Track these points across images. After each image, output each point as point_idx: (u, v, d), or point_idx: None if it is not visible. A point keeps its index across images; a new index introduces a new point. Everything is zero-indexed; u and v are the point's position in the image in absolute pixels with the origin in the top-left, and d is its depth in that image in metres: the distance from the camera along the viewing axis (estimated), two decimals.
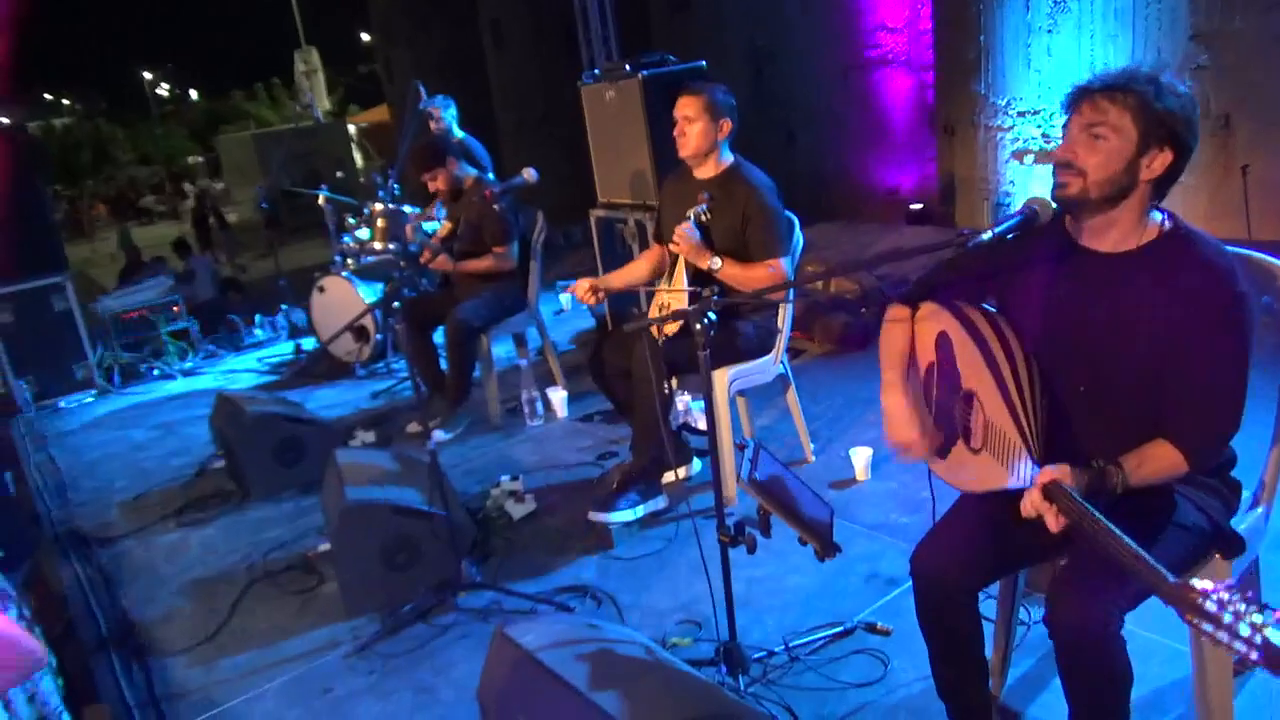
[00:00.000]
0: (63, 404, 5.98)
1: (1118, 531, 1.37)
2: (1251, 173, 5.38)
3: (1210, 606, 1.15)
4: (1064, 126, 1.70)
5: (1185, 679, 2.10)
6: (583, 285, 3.27)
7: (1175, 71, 6.13)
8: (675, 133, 3.24)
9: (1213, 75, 6.10)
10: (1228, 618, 1.13)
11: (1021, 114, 7.01)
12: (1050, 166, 1.72)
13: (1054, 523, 1.54)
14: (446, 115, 5.62)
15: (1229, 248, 1.74)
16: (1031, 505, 1.56)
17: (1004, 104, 7.19)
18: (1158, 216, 1.72)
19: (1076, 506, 1.47)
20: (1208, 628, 1.15)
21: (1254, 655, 1.10)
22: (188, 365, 6.47)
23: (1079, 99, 1.67)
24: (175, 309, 6.56)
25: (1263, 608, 1.12)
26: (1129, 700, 1.68)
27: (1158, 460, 1.64)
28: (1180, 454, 1.64)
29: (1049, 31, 6.72)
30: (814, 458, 3.63)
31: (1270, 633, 1.09)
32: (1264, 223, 5.51)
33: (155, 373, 6.36)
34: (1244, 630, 1.11)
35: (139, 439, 5.16)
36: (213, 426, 4.36)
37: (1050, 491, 1.53)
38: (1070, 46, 6.63)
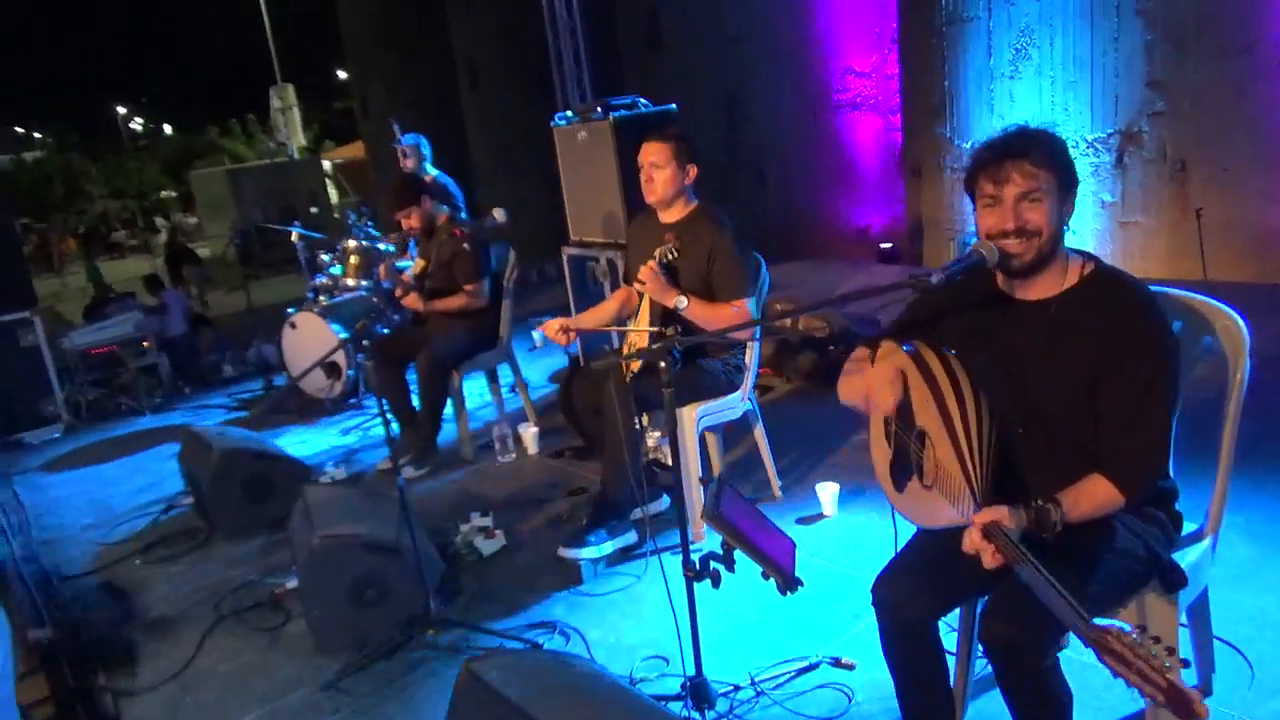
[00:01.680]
0: (28, 439, 5.91)
1: (1045, 574, 1.44)
2: (1206, 215, 5.54)
3: (1122, 650, 1.23)
4: (987, 197, 1.75)
5: (1140, 710, 2.15)
6: (553, 325, 3.32)
7: (1132, 116, 6.38)
8: (642, 179, 3.30)
9: (1169, 121, 6.31)
10: (1137, 661, 1.20)
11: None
12: None
13: (989, 560, 1.60)
14: (421, 152, 5.70)
15: (1165, 289, 1.83)
16: (971, 544, 1.63)
17: (967, 146, 7.37)
18: (1077, 258, 1.81)
19: (1011, 548, 1.54)
20: (1121, 669, 1.23)
21: (1159, 697, 1.18)
22: (156, 401, 6.42)
23: (1000, 169, 1.73)
24: (145, 344, 6.51)
25: (1170, 652, 1.19)
26: (1070, 717, 1.73)
27: (1093, 495, 1.71)
28: (1114, 487, 1.70)
29: (1010, 77, 6.93)
30: (781, 494, 3.67)
31: (1174, 677, 1.17)
32: (1218, 264, 5.67)
33: (124, 409, 6.30)
34: (1151, 673, 1.18)
35: (106, 476, 5.11)
36: (180, 463, 4.33)
37: (988, 531, 1.59)
38: (1031, 92, 6.84)
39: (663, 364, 2.11)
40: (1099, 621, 1.31)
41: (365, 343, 2.75)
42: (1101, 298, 1.76)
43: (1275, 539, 2.89)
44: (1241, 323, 1.94)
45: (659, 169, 3.25)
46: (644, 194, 3.34)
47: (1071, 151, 1.80)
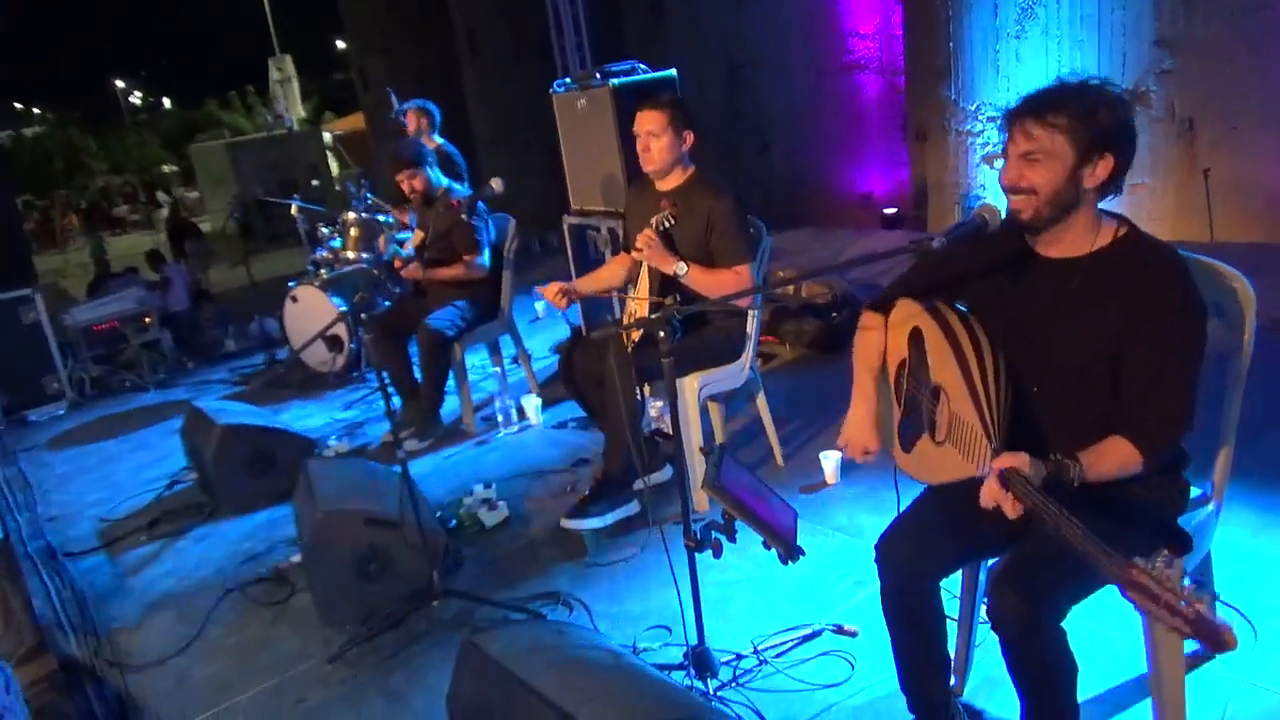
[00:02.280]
0: (32, 417, 5.92)
1: (1067, 515, 1.42)
2: (1213, 175, 5.48)
3: (1149, 583, 1.21)
4: (1003, 151, 1.74)
5: (1141, 675, 2.14)
6: (553, 288, 3.29)
7: (1140, 75, 6.28)
8: (639, 148, 3.25)
9: (1177, 79, 6.21)
10: (1165, 594, 1.19)
11: (991, 119, 7.10)
12: None
13: (1011, 509, 1.56)
14: (431, 117, 5.63)
15: (1182, 251, 1.79)
16: (990, 494, 1.59)
17: (974, 109, 7.28)
18: (1110, 221, 1.76)
19: (1032, 494, 1.50)
20: (1149, 604, 1.21)
21: (1186, 629, 1.16)
22: (160, 377, 6.42)
23: (1011, 125, 1.71)
24: (147, 320, 6.50)
25: (1198, 584, 1.18)
26: (1074, 690, 1.72)
27: (1113, 456, 1.68)
28: (1135, 450, 1.67)
29: (1017, 37, 6.82)
30: (784, 462, 3.66)
31: (1202, 608, 1.15)
32: (1225, 224, 5.61)
33: (127, 385, 6.31)
34: (1179, 605, 1.17)
35: (110, 452, 5.13)
36: (184, 439, 4.34)
37: (1007, 478, 1.56)
38: (1038, 52, 6.73)
39: (661, 333, 2.09)
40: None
41: (364, 316, 2.72)
42: (1131, 261, 1.72)
43: (1275, 506, 2.87)
44: (1248, 284, 1.90)
45: (655, 137, 3.21)
46: (641, 163, 3.30)
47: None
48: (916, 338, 1.93)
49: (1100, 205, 1.77)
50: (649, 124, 3.22)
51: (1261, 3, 5.63)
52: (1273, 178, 5.83)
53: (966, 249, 1.74)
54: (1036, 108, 1.67)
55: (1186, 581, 1.23)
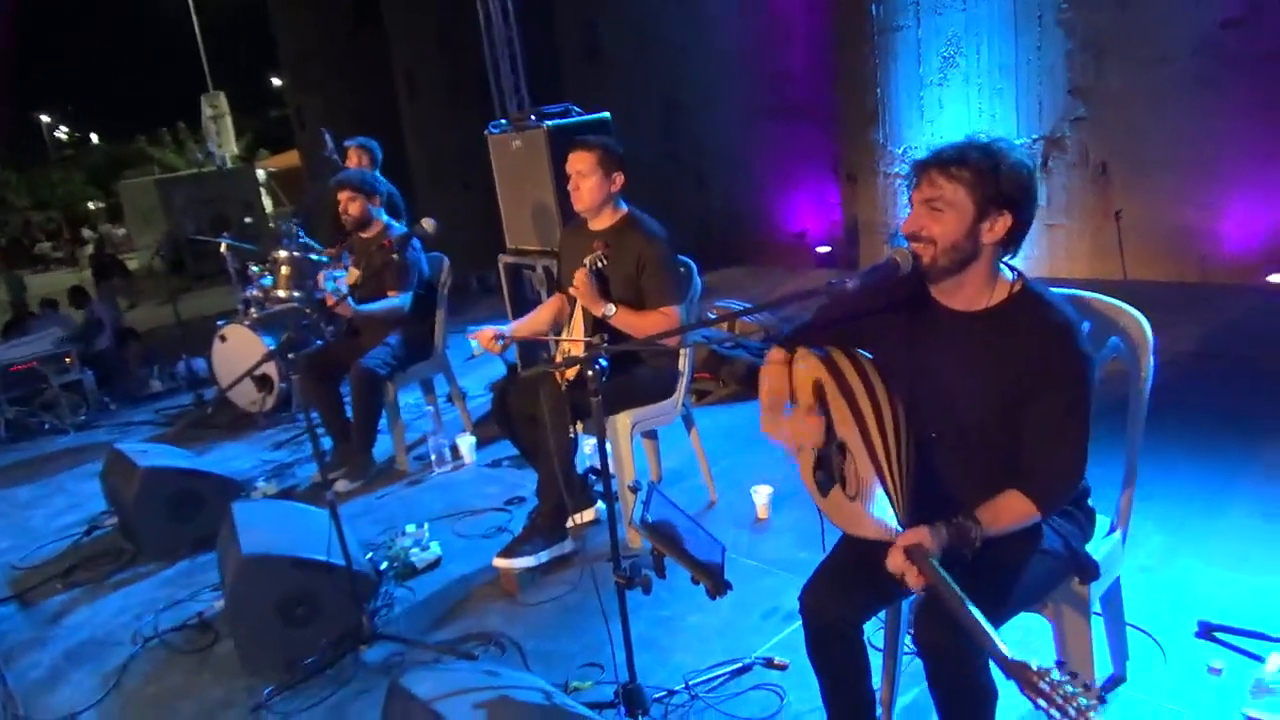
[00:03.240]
0: None
1: (970, 605, 1.48)
2: (1125, 217, 5.74)
3: (1044, 685, 1.27)
4: (909, 199, 1.81)
5: None
6: (487, 334, 3.29)
7: (1055, 121, 6.57)
8: (569, 187, 3.31)
9: (1090, 126, 6.52)
10: (1058, 698, 1.24)
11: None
12: None
13: (914, 581, 1.63)
14: (372, 155, 5.62)
15: (1075, 292, 1.88)
16: (894, 566, 1.66)
17: (900, 152, 7.52)
18: (1009, 275, 1.83)
19: (933, 572, 1.57)
20: (1041, 703, 1.27)
21: None
22: (80, 419, 6.22)
23: (917, 175, 1.78)
24: (67, 360, 6.30)
25: (1087, 689, 1.24)
26: (993, 714, 1.77)
27: (1010, 511, 1.75)
28: (1030, 503, 1.75)
29: (939, 84, 7.09)
30: (718, 497, 3.69)
31: (1093, 716, 1.21)
32: (1137, 263, 5.87)
33: (46, 427, 6.09)
34: (1071, 712, 1.23)
35: (25, 497, 4.93)
36: (104, 482, 4.20)
37: (911, 554, 1.62)
38: (959, 99, 7.00)
39: (590, 372, 2.12)
40: (1020, 647, 1.35)
41: (291, 355, 2.69)
42: (1024, 320, 1.77)
43: (1184, 527, 3.00)
44: (1145, 324, 2.01)
45: (584, 177, 3.26)
46: (572, 202, 3.34)
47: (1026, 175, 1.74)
48: (819, 391, 1.96)
49: (1004, 257, 1.83)
50: (578, 164, 3.27)
51: (1165, 56, 5.97)
52: (1178, 219, 6.13)
53: (875, 291, 1.80)
54: (942, 159, 1.74)
55: (1077, 693, 1.27)
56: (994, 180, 1.71)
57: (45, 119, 38.64)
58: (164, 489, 3.83)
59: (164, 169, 25.57)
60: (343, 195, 4.42)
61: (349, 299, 4.09)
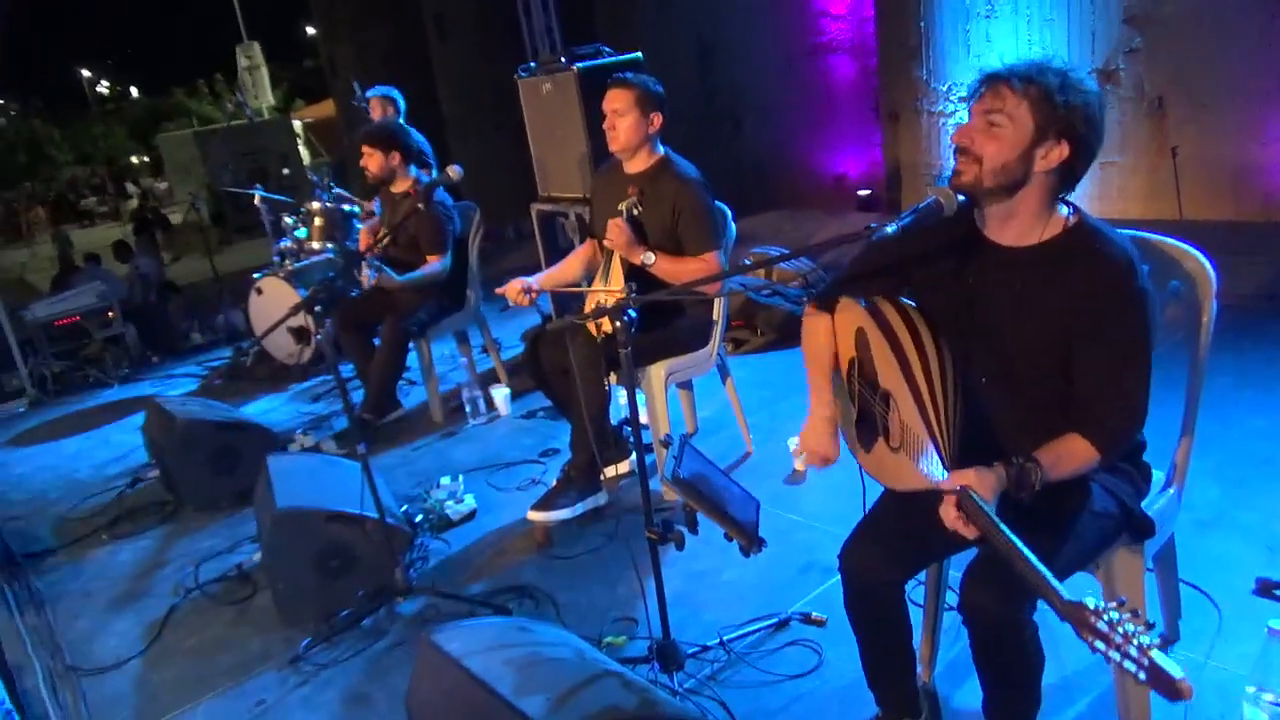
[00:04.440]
0: None
1: (1022, 546, 1.38)
2: (1181, 153, 5.48)
3: (1101, 625, 1.18)
4: (968, 111, 1.70)
5: (1099, 662, 2.13)
6: (514, 287, 3.22)
7: (1109, 53, 6.27)
8: (605, 126, 3.19)
9: (1146, 58, 6.20)
10: (1117, 637, 1.16)
11: (962, 99, 7.07)
12: None
13: (967, 532, 1.55)
14: (395, 104, 5.52)
15: (1134, 233, 1.76)
16: (949, 518, 1.57)
17: (945, 89, 7.26)
18: (1064, 210, 1.72)
19: (984, 519, 1.48)
20: (1099, 645, 1.18)
21: (1140, 675, 1.13)
22: (124, 372, 6.31)
23: (983, 85, 1.67)
24: (110, 314, 6.38)
25: (1149, 628, 1.15)
26: (1040, 682, 1.71)
27: (1071, 455, 1.66)
28: (1092, 447, 1.65)
29: (987, 17, 6.79)
30: (754, 448, 3.63)
31: (1155, 655, 1.12)
32: (1194, 202, 5.62)
33: (90, 380, 6.19)
34: (1133, 651, 1.14)
35: (72, 450, 5.02)
36: (145, 436, 4.25)
37: (962, 503, 1.53)
38: (1008, 32, 6.70)
39: (618, 324, 2.05)
40: (1075, 596, 1.26)
41: (317, 309, 2.65)
42: (1081, 253, 1.67)
43: (1242, 482, 2.87)
44: (1209, 266, 1.88)
45: (621, 116, 3.15)
46: (608, 142, 3.24)
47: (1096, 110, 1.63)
48: (861, 338, 1.88)
49: (1060, 194, 1.72)
50: (615, 102, 3.16)
51: None
52: (1239, 156, 5.84)
53: (920, 233, 1.70)
54: (1015, 71, 1.64)
55: (1138, 631, 1.18)
56: (1062, 106, 1.60)
57: (86, 74, 38.96)
58: (203, 442, 3.86)
59: (202, 121, 25.69)
60: (363, 149, 4.34)
61: (387, 270, 4.03)
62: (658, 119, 3.20)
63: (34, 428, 5.55)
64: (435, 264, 4.24)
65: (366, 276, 4.12)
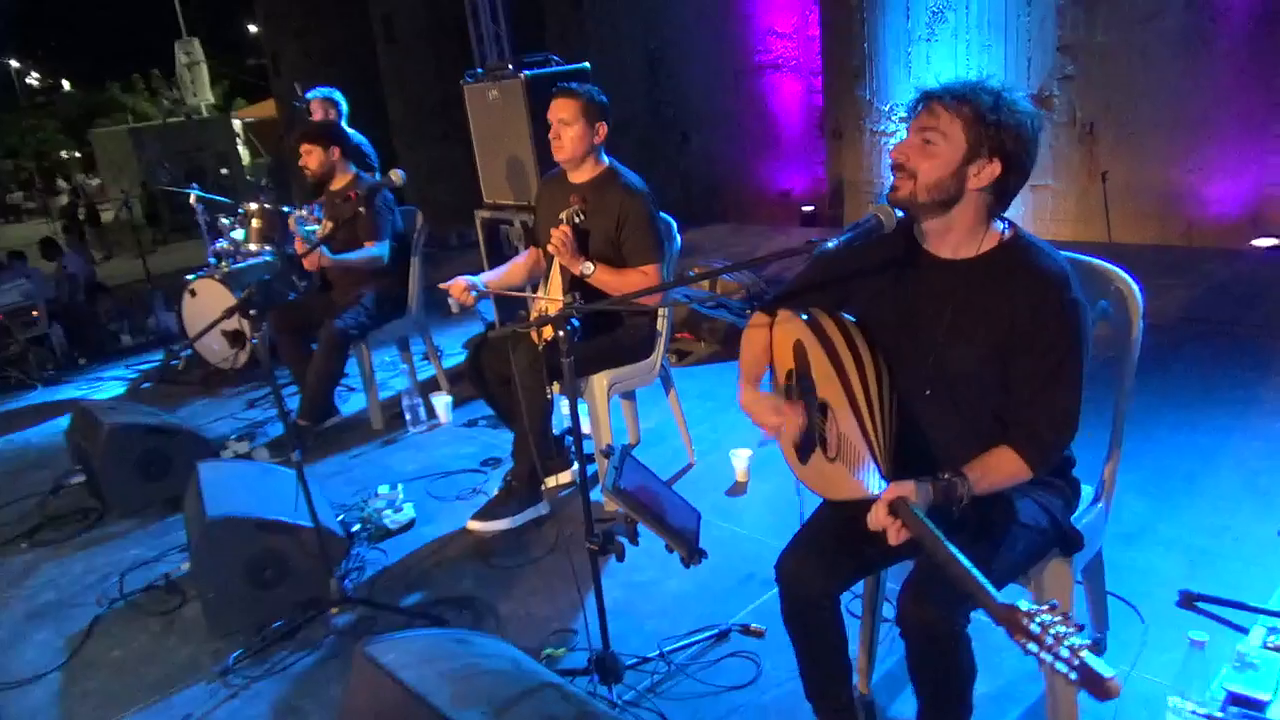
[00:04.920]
0: None
1: (955, 550, 1.41)
2: (1111, 179, 5.67)
3: (1034, 627, 1.20)
4: (906, 129, 1.74)
5: (1031, 673, 2.18)
6: (459, 285, 3.20)
7: (1044, 79, 6.47)
8: (550, 135, 3.19)
9: (1078, 85, 6.42)
10: (1049, 639, 1.18)
11: (902, 119, 7.23)
12: None
13: (895, 536, 1.57)
14: (336, 107, 5.44)
15: (1066, 254, 1.81)
16: (877, 520, 1.60)
17: (887, 109, 7.41)
18: (1000, 226, 1.77)
19: (918, 523, 1.50)
20: (1032, 647, 1.21)
21: (1072, 675, 1.16)
22: (48, 374, 6.08)
23: (920, 103, 1.71)
24: (34, 313, 6.15)
25: (1079, 629, 1.17)
26: (971, 693, 1.74)
27: (1001, 467, 1.69)
28: (1021, 460, 1.69)
29: (927, 40, 6.96)
30: (696, 460, 3.64)
31: (1085, 655, 1.15)
32: (1122, 226, 5.82)
33: (12, 382, 5.96)
34: (1063, 651, 1.17)
35: None
36: (69, 440, 4.11)
37: (895, 507, 1.56)
38: (947, 55, 6.88)
39: (561, 333, 2.04)
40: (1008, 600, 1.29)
41: (252, 312, 2.59)
42: (1015, 267, 1.71)
43: (1166, 495, 2.97)
44: (1135, 286, 1.95)
45: (567, 125, 3.14)
46: (553, 151, 3.23)
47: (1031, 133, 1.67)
48: (800, 351, 1.90)
49: (995, 211, 1.76)
50: (561, 111, 3.15)
51: (1157, 12, 5.86)
52: (1166, 182, 6.07)
53: (861, 248, 1.73)
54: (949, 90, 1.68)
55: (1069, 632, 1.21)
56: (994, 125, 1.65)
57: (15, 64, 37.62)
58: (131, 447, 3.74)
59: (138, 118, 25.01)
60: (301, 148, 4.28)
61: (323, 248, 3.97)
62: (603, 129, 3.20)
63: None
64: (372, 248, 4.19)
65: (301, 241, 4.05)
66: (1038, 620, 1.22)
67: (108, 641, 2.95)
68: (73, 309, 7.08)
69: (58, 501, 4.04)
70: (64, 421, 4.38)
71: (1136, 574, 2.55)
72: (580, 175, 3.26)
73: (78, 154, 28.81)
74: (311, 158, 4.25)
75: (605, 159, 3.27)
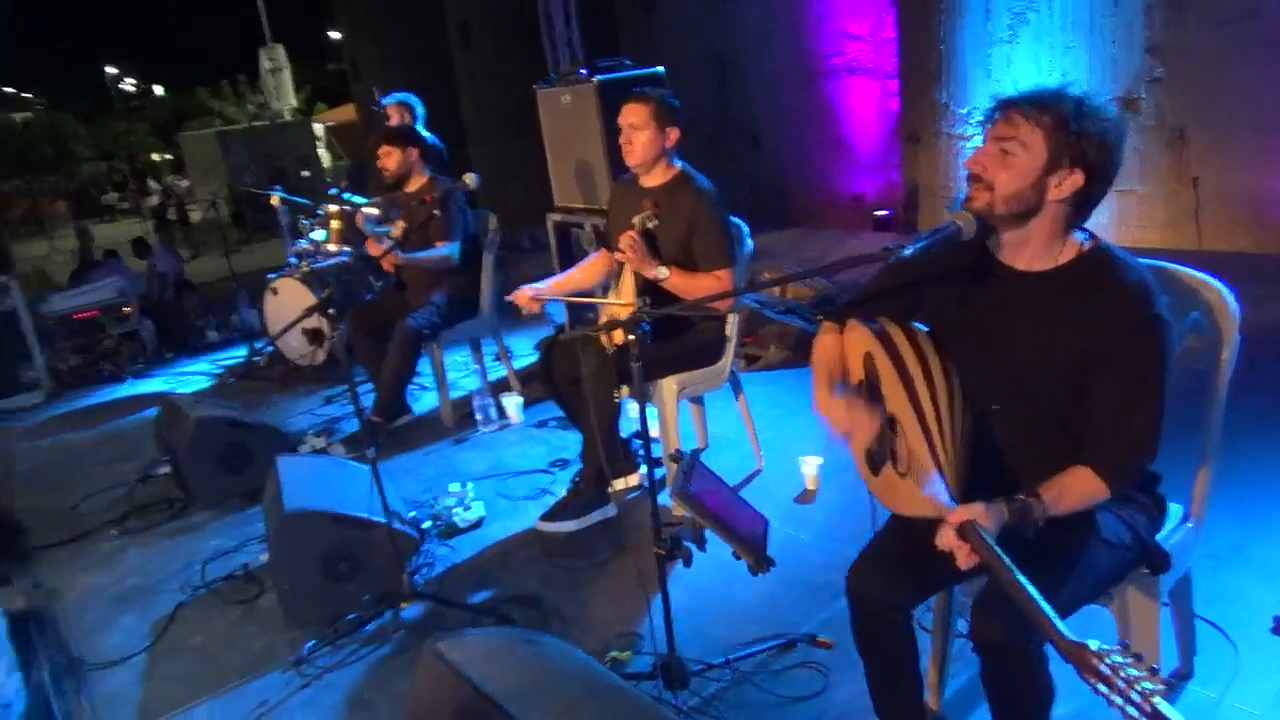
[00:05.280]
0: (7, 406, 5.83)
1: (1025, 581, 1.37)
2: (1202, 184, 5.45)
3: (1104, 669, 1.16)
4: (983, 136, 1.69)
5: None
6: (523, 295, 3.23)
7: (1131, 82, 6.25)
8: (621, 140, 3.20)
9: (1167, 88, 6.18)
10: (1120, 682, 1.14)
11: (982, 123, 7.07)
12: None
13: (964, 560, 1.53)
14: (412, 111, 5.56)
15: (1156, 263, 1.74)
16: (944, 542, 1.56)
17: (965, 113, 7.25)
18: (1079, 237, 1.71)
19: (986, 549, 1.46)
20: (1102, 688, 1.17)
21: None
22: (138, 367, 6.34)
23: (997, 111, 1.66)
24: (126, 309, 6.41)
25: (1152, 673, 1.13)
26: (1049, 714, 1.68)
27: (1077, 488, 1.64)
28: (1099, 480, 1.63)
29: (1008, 42, 6.79)
30: (765, 466, 3.61)
31: (1158, 701, 1.10)
32: (1214, 233, 5.59)
33: (105, 375, 6.22)
34: (1135, 696, 1.12)
35: (85, 443, 5.05)
36: (157, 432, 4.27)
37: (963, 531, 1.52)
38: (1028, 57, 6.70)
39: (631, 337, 2.04)
40: (1079, 636, 1.24)
41: (331, 311, 2.66)
42: (1096, 280, 1.65)
43: (1261, 516, 2.84)
44: (1231, 298, 1.86)
45: (637, 130, 3.15)
46: (624, 156, 3.24)
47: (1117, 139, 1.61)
48: (870, 363, 1.86)
49: (1075, 222, 1.70)
50: (632, 116, 3.16)
51: (1251, 11, 5.61)
52: (1261, 188, 5.81)
53: (935, 256, 1.69)
54: (1029, 98, 1.63)
55: (1141, 676, 1.16)
56: (1076, 135, 1.59)
57: (111, 70, 39.33)
58: (215, 440, 3.87)
59: (224, 121, 25.90)
60: (380, 150, 4.38)
61: (396, 248, 4.06)
62: (674, 134, 3.20)
63: (47, 420, 5.58)
64: (443, 247, 4.27)
65: (375, 241, 4.14)
66: (1108, 661, 1.18)
67: (189, 627, 3.06)
68: (162, 306, 7.36)
69: (145, 490, 4.20)
70: (152, 413, 4.55)
71: (1226, 598, 2.44)
72: (652, 179, 3.27)
73: (168, 156, 29.96)
74: (391, 159, 4.36)
75: (677, 163, 3.27)
